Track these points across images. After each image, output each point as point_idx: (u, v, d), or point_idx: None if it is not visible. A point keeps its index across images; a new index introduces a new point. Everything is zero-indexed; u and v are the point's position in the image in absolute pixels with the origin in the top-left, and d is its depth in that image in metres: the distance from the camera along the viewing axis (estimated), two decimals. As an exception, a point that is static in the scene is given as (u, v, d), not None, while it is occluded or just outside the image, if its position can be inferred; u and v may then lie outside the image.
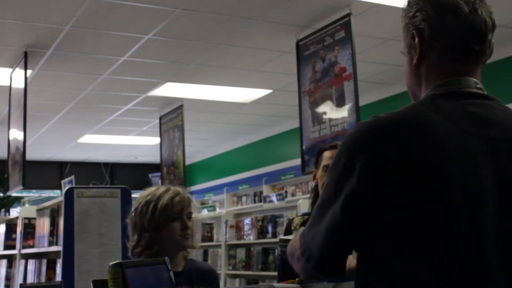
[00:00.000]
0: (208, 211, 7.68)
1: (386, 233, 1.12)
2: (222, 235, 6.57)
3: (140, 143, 10.05)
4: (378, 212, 1.12)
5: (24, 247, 4.39)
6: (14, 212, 9.71)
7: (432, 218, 1.09)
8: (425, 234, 1.09)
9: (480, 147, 1.14)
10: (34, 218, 4.27)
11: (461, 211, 1.10)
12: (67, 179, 7.96)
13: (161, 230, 2.16)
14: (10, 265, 4.88)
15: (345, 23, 4.61)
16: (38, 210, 4.14)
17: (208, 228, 7.05)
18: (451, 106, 1.18)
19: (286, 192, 8.65)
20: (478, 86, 1.24)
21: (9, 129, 5.88)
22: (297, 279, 1.69)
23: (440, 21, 1.23)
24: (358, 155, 1.13)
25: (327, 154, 2.49)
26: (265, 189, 9.18)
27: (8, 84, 5.83)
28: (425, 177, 1.10)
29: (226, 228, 6.51)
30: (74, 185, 5.35)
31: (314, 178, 2.51)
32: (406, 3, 1.30)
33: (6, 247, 4.87)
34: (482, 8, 1.24)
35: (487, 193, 1.12)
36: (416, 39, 1.25)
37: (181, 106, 7.26)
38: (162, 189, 2.20)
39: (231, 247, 6.49)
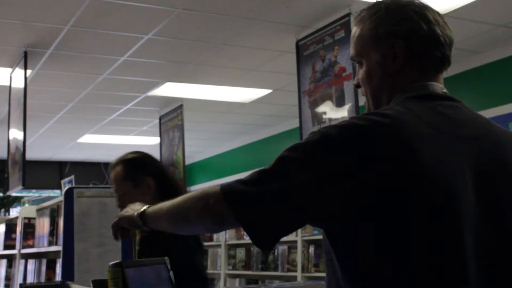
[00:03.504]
0: (208, 211, 7.67)
1: (366, 230, 1.12)
2: (222, 235, 6.57)
3: (140, 143, 10.04)
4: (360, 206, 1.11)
5: (24, 247, 4.39)
6: (14, 212, 9.72)
7: (414, 217, 1.10)
8: (405, 235, 1.09)
9: (454, 145, 1.17)
10: (34, 218, 4.28)
11: (443, 211, 1.10)
12: (67, 179, 7.97)
13: None
14: (10, 265, 4.88)
15: (345, 23, 4.61)
16: (38, 210, 4.14)
17: (208, 228, 7.04)
18: (421, 107, 1.21)
19: (286, 192, 8.63)
20: (444, 90, 1.29)
21: (9, 129, 5.88)
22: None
23: (429, 32, 1.27)
24: (342, 149, 1.13)
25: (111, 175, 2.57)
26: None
27: (8, 84, 5.83)
28: (405, 178, 1.10)
29: (226, 228, 6.50)
30: (74, 185, 5.35)
31: None
32: (383, 12, 1.30)
33: (6, 247, 4.88)
34: (448, 25, 1.32)
35: (465, 191, 1.14)
36: (400, 47, 1.27)
37: (181, 106, 7.26)
38: None
39: (231, 247, 6.49)
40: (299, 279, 5.32)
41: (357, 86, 1.37)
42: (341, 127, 1.17)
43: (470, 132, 1.21)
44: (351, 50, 1.36)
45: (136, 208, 1.56)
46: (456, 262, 1.10)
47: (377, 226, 1.10)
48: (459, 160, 1.15)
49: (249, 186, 1.19)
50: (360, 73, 1.35)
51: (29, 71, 5.58)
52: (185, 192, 2.50)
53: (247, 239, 6.20)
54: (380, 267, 1.10)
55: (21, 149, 5.30)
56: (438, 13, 1.31)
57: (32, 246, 4.25)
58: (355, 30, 1.35)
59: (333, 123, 4.79)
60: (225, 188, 1.23)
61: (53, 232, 3.76)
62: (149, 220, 1.49)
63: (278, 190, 1.16)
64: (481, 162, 1.18)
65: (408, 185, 1.10)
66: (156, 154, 9.01)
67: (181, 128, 7.30)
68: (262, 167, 1.22)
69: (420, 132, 1.14)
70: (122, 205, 2.51)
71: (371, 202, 1.10)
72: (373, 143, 1.12)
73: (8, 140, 5.91)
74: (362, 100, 5.11)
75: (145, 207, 1.52)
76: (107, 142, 9.88)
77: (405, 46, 1.27)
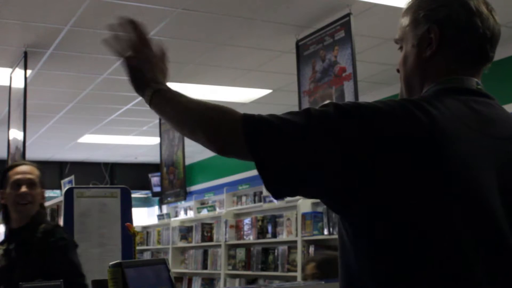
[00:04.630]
0: (208, 211, 7.68)
1: (380, 218, 1.09)
2: (222, 235, 6.57)
3: (140, 143, 10.05)
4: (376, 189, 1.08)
5: (24, 247, 4.37)
6: (14, 212, 9.71)
7: (433, 211, 1.08)
8: (422, 227, 1.08)
9: (483, 144, 1.14)
10: (34, 218, 4.26)
11: (465, 208, 1.09)
12: (67, 179, 7.95)
13: None
14: (10, 265, 4.87)
15: (345, 23, 4.62)
16: (38, 210, 4.13)
17: (208, 228, 7.05)
18: (455, 102, 1.18)
19: (286, 192, 8.63)
20: (479, 86, 1.25)
21: (9, 129, 5.88)
22: None
23: (468, 22, 1.22)
24: (372, 124, 1.09)
25: (15, 170, 2.62)
26: (265, 189, 9.15)
27: (8, 84, 5.83)
28: (430, 170, 1.08)
29: (226, 228, 6.51)
30: (74, 185, 5.35)
31: (3, 199, 2.64)
32: None
33: (6, 247, 4.87)
34: (496, 16, 1.26)
35: (490, 191, 1.12)
36: (435, 33, 1.24)
37: (181, 106, 7.25)
38: None
39: (231, 247, 6.49)
40: (299, 279, 5.31)
41: (398, 71, 1.36)
42: (383, 113, 1.11)
43: (502, 132, 1.18)
44: (396, 34, 1.35)
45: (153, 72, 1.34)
46: (468, 260, 1.08)
47: (392, 217, 1.08)
48: (487, 159, 1.13)
49: (278, 122, 1.12)
50: (400, 57, 1.33)
51: (29, 71, 5.58)
52: (44, 216, 2.70)
53: (247, 239, 6.20)
54: (395, 258, 1.08)
55: (21, 149, 5.30)
56: (485, 3, 1.26)
57: (32, 246, 4.24)
58: (403, 16, 1.33)
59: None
60: (248, 116, 1.14)
61: (53, 232, 3.76)
62: (160, 97, 1.29)
63: (306, 136, 1.10)
64: (510, 164, 1.16)
65: (433, 180, 1.08)
66: (156, 154, 9.04)
67: (181, 128, 7.29)
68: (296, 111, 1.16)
69: (452, 128, 1.12)
70: (29, 194, 2.58)
71: (391, 189, 1.07)
72: (406, 134, 1.10)
73: (8, 140, 5.91)
74: (362, 100, 5.12)
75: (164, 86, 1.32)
76: (107, 142, 9.88)
77: (440, 32, 1.24)
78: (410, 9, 1.30)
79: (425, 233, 1.08)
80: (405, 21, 1.31)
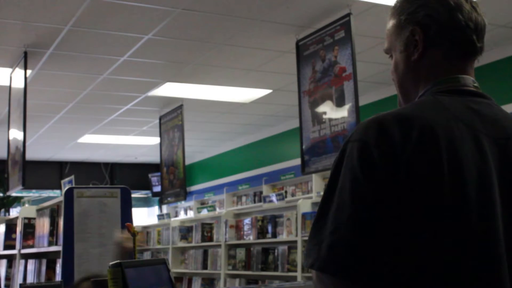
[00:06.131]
0: (208, 211, 7.68)
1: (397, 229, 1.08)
2: (222, 235, 6.57)
3: (140, 143, 10.05)
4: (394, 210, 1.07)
5: (24, 247, 4.38)
6: (14, 212, 9.71)
7: (445, 218, 1.06)
8: (435, 233, 1.06)
9: (486, 144, 1.14)
10: (34, 218, 4.27)
11: (474, 212, 1.08)
12: (67, 179, 7.95)
13: None
14: (10, 265, 4.88)
15: (345, 23, 4.62)
16: (38, 210, 4.14)
17: (208, 228, 7.05)
18: (455, 103, 1.17)
19: (286, 192, 8.65)
20: (475, 84, 1.24)
21: (9, 129, 5.88)
22: None
23: (449, 17, 1.22)
24: (372, 147, 1.08)
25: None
26: (265, 189, 9.17)
27: (8, 84, 5.83)
28: (437, 176, 1.07)
29: (226, 228, 6.51)
30: (74, 185, 5.35)
31: None
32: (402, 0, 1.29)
33: (6, 247, 4.87)
34: (478, 8, 1.26)
35: (496, 193, 1.11)
36: (419, 35, 1.24)
37: (181, 106, 7.26)
38: None
39: (231, 247, 6.49)
40: (299, 279, 5.31)
41: (393, 79, 1.36)
42: (376, 140, 1.10)
43: (502, 132, 1.17)
44: (385, 44, 1.35)
45: None
46: (487, 263, 1.07)
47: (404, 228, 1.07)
48: (488, 160, 1.12)
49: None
50: (391, 65, 1.33)
51: (29, 71, 5.58)
52: None
53: (247, 239, 6.20)
54: (403, 268, 1.07)
55: (21, 149, 5.29)
56: None
57: (32, 246, 4.25)
58: (388, 23, 1.33)
59: (333, 123, 4.80)
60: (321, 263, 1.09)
61: (53, 232, 3.76)
62: None
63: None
64: (510, 164, 1.15)
65: (437, 184, 1.07)
66: (156, 154, 9.06)
67: (181, 128, 7.30)
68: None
69: (452, 130, 1.11)
70: None
71: (405, 201, 1.07)
72: (409, 147, 1.08)
73: (8, 140, 5.91)
74: (362, 100, 5.11)
75: None
76: (107, 142, 9.88)
77: (423, 33, 1.24)
78: (392, 16, 1.31)
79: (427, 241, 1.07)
80: (390, 29, 1.32)
